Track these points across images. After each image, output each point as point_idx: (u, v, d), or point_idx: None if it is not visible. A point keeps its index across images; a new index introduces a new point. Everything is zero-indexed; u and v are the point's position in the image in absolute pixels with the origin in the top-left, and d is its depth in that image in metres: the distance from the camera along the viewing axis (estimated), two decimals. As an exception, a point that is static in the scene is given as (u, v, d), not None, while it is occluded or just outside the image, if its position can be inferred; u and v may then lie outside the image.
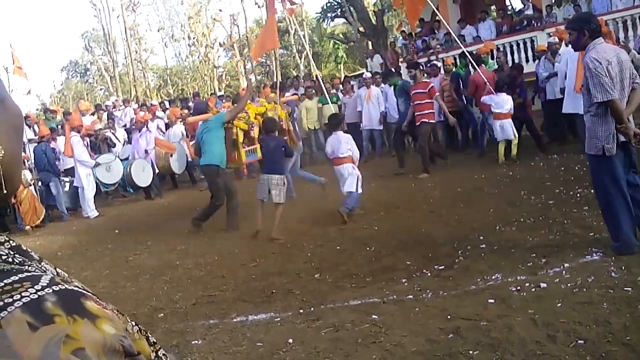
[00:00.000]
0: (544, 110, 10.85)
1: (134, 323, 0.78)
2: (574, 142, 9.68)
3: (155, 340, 0.82)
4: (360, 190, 7.29)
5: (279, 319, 4.24)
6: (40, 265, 0.77)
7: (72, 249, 8.30)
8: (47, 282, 0.70)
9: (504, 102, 9.30)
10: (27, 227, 10.26)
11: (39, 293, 0.67)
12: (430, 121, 9.69)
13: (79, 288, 0.74)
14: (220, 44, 39.32)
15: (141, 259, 6.90)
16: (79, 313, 0.67)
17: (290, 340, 3.76)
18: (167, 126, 13.92)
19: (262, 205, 7.02)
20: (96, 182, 11.28)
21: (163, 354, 0.83)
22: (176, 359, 0.92)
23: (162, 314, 4.79)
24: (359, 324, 3.85)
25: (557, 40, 10.12)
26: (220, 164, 7.52)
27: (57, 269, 0.79)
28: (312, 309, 4.34)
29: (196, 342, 4.03)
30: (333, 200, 8.19)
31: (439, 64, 12.57)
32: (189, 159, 13.05)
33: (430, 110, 9.64)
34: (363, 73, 15.51)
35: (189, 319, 4.56)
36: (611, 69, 4.24)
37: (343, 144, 7.32)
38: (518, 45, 14.91)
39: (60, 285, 0.70)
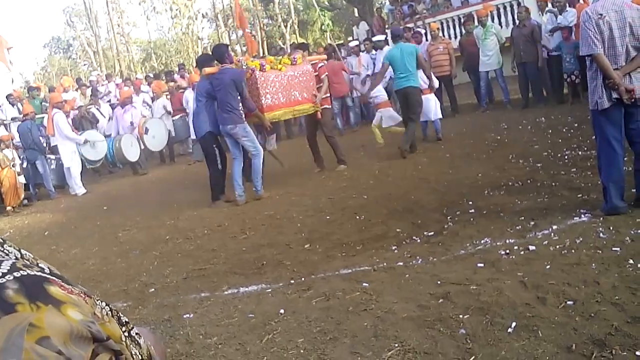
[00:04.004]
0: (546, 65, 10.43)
1: (104, 304, 0.76)
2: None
3: (127, 320, 0.80)
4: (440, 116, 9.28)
5: (270, 290, 4.24)
6: (3, 249, 0.74)
7: (61, 226, 8.25)
8: (8, 268, 0.67)
9: None
10: (9, 208, 10.15)
11: None
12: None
13: (43, 272, 0.71)
14: (203, 15, 38.72)
15: (131, 235, 6.86)
16: (43, 299, 0.65)
17: (282, 311, 3.76)
18: (153, 100, 13.76)
19: None
20: (81, 159, 11.17)
21: (136, 333, 0.81)
22: (150, 333, 0.89)
23: (153, 289, 4.77)
24: (349, 292, 3.86)
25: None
26: None
27: (22, 250, 0.76)
28: (302, 279, 4.34)
29: (188, 315, 4.03)
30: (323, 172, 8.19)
31: (423, 31, 12.53)
32: (173, 135, 12.94)
33: None
34: (350, 42, 15.34)
35: (180, 293, 4.55)
36: (602, 23, 4.17)
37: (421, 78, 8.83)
38: (505, 8, 14.78)
39: (22, 271, 0.67)
